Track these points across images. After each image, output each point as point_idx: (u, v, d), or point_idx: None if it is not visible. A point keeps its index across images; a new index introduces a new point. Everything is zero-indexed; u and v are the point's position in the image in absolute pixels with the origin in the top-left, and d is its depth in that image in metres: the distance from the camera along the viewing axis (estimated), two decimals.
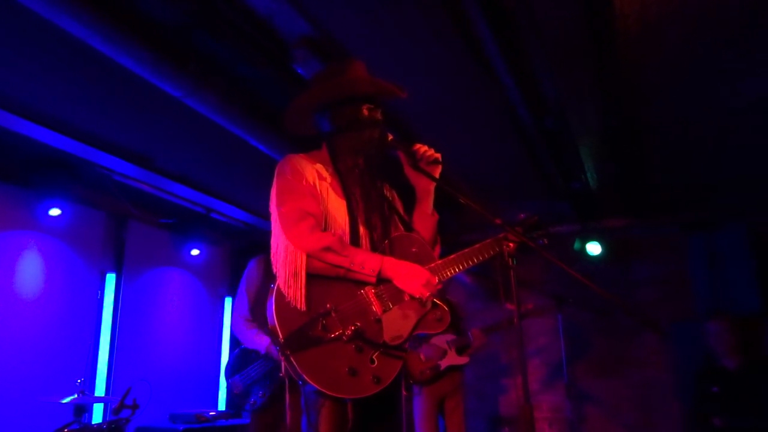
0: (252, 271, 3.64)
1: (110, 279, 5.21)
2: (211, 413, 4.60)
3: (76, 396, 3.45)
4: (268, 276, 3.52)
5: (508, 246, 2.05)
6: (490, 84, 3.44)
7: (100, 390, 4.90)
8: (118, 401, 3.38)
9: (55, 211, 4.49)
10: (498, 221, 2.02)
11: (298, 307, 1.86)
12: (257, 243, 6.00)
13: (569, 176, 4.84)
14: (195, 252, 5.76)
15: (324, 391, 1.81)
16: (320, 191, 2.07)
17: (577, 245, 5.80)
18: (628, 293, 5.85)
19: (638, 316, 5.69)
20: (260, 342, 3.40)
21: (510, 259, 2.03)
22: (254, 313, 3.58)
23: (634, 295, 5.86)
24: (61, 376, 4.58)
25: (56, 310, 4.72)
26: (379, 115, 2.19)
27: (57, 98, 3.64)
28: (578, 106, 3.81)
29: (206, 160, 4.66)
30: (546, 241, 2.30)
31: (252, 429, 3.42)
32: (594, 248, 5.80)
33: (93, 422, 4.57)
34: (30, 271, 4.59)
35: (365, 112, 2.16)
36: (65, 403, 3.42)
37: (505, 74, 3.26)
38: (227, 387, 3.52)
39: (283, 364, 1.86)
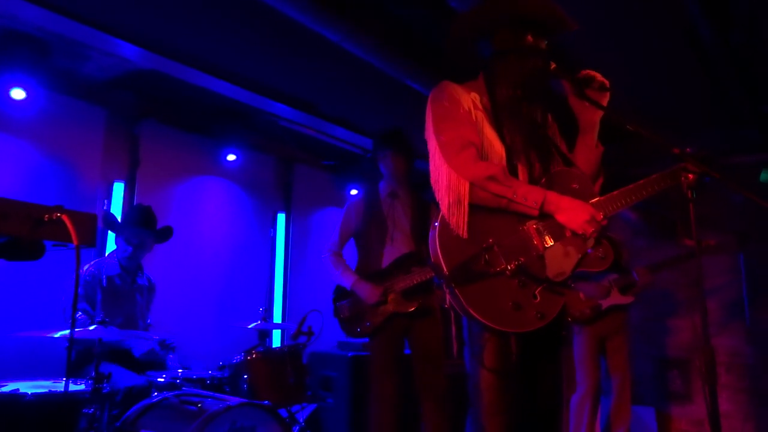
0: (350, 210, 3.76)
1: (281, 218, 5.66)
2: None
3: (259, 322, 3.85)
4: (362, 218, 3.69)
5: (687, 177, 1.89)
6: None
7: (277, 318, 5.44)
8: (296, 328, 3.70)
9: (231, 157, 4.93)
10: (676, 151, 1.87)
11: (461, 234, 1.87)
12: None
13: (760, 99, 4.28)
14: (354, 192, 6.04)
15: (489, 324, 1.83)
16: (476, 120, 2.03)
17: (763, 176, 5.15)
18: None
19: None
20: (346, 280, 3.60)
21: (690, 192, 1.88)
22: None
23: None
24: (246, 304, 5.14)
25: (238, 246, 5.26)
26: (543, 45, 2.07)
27: (230, 52, 3.93)
28: None
29: (364, 103, 4.78)
30: (718, 176, 2.09)
31: (373, 349, 3.54)
32: None
33: (274, 346, 5.09)
34: (214, 211, 5.13)
35: (530, 38, 2.04)
36: (250, 328, 3.83)
37: None
38: (334, 311, 3.72)
39: (447, 296, 1.91)
